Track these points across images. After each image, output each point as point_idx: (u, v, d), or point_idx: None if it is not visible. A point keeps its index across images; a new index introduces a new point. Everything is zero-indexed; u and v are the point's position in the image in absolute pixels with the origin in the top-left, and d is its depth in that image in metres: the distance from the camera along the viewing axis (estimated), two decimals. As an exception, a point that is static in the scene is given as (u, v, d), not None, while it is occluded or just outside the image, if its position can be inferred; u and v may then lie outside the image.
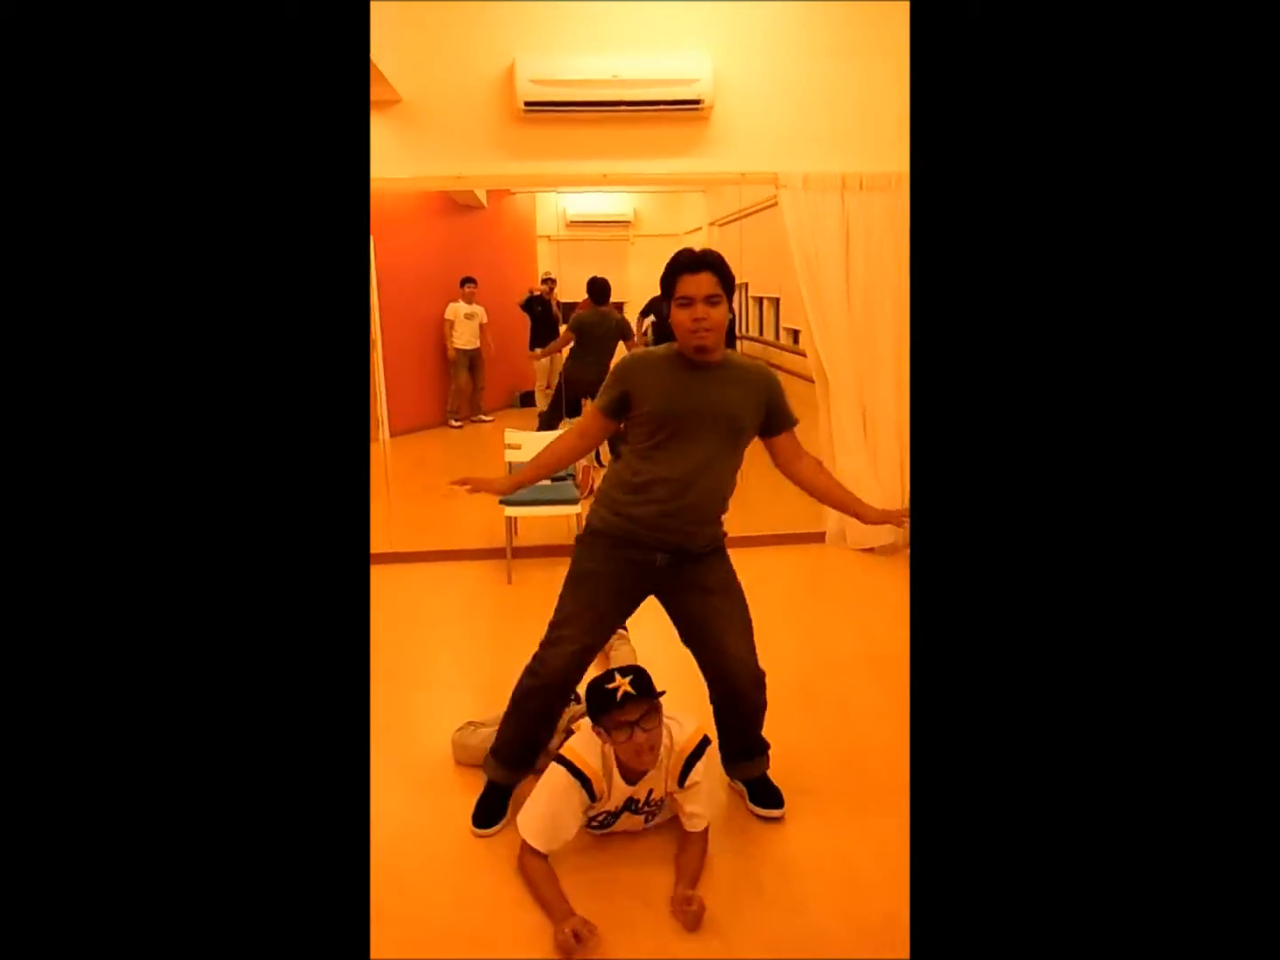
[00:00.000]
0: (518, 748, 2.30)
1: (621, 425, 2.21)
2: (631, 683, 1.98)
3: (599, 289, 5.75)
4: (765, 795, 2.34)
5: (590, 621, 2.19)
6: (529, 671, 2.23)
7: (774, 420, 2.22)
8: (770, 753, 2.41)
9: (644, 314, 6.57)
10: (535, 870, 2.04)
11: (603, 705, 2.00)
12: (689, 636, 2.26)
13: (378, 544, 4.64)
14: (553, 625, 2.23)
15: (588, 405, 2.22)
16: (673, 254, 2.10)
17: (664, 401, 2.10)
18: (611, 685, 1.99)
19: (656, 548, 2.15)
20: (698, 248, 2.10)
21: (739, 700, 2.26)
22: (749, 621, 2.27)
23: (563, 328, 6.35)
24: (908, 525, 2.21)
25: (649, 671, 2.08)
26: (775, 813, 2.31)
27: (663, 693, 2.04)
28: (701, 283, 2.04)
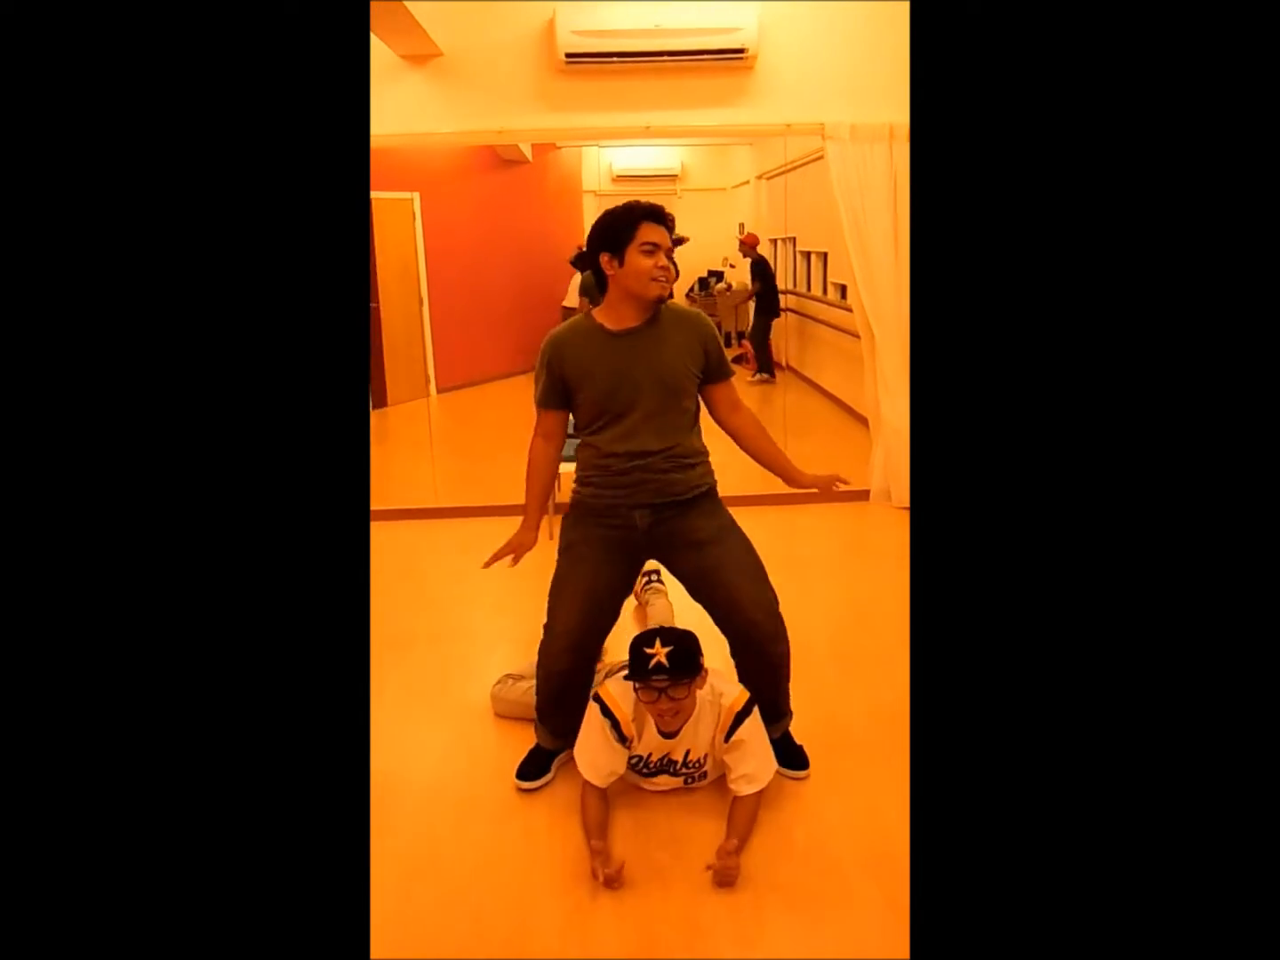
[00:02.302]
0: (552, 709, 2.33)
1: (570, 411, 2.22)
2: (670, 654, 1.99)
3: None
4: (790, 756, 2.34)
5: (585, 584, 2.21)
6: (544, 633, 2.28)
7: (712, 368, 2.21)
8: (807, 709, 2.40)
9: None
10: (584, 801, 2.14)
11: (637, 666, 2.03)
12: (697, 593, 2.25)
13: (422, 499, 4.70)
14: (552, 593, 2.27)
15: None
16: (619, 205, 2.11)
17: (602, 383, 2.11)
18: (650, 650, 2.01)
19: (633, 508, 2.16)
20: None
21: (762, 645, 2.21)
22: (757, 564, 2.24)
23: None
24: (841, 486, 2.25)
25: (685, 628, 2.09)
26: (801, 773, 2.33)
27: (700, 669, 2.06)
28: (663, 234, 2.08)
